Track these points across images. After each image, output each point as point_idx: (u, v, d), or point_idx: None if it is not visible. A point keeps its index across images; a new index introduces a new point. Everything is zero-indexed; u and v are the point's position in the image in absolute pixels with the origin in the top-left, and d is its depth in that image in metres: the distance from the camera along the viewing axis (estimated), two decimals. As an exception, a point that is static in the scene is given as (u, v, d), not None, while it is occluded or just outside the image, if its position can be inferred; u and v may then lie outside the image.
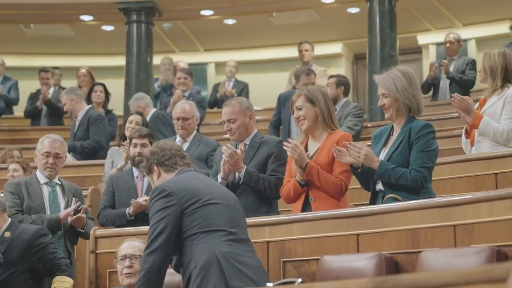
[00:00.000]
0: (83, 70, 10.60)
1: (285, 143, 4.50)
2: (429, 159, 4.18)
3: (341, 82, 7.71)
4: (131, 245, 4.27)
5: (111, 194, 5.60)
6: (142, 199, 5.38)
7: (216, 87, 11.47)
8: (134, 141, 5.72)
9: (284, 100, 7.97)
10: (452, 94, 5.26)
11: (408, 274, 2.59)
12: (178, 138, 6.25)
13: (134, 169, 5.70)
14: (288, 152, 4.48)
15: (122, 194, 5.52)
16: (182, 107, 6.23)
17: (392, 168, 4.16)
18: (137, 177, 5.66)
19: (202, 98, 9.30)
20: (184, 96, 9.03)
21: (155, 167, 3.90)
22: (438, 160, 4.60)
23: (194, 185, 3.73)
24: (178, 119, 6.19)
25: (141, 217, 5.37)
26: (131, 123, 6.81)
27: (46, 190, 5.20)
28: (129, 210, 5.39)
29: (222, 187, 4.07)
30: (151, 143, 5.69)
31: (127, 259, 4.20)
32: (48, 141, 5.29)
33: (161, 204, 3.62)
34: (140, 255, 4.10)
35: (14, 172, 6.61)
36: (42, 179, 5.25)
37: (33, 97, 10.45)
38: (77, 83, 10.79)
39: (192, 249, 3.55)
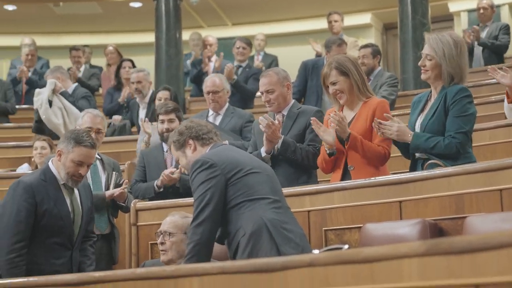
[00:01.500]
0: (111, 48, 10.62)
1: (332, 114, 4.46)
2: (465, 124, 4.11)
3: (377, 52, 7.61)
4: (168, 220, 4.20)
5: (143, 169, 5.62)
6: (168, 171, 5.35)
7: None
8: (160, 117, 5.71)
9: (311, 69, 7.74)
10: None
11: (461, 236, 2.56)
12: (210, 112, 6.23)
13: (164, 144, 5.72)
14: (332, 124, 4.43)
15: (153, 169, 5.52)
16: (212, 80, 6.20)
17: (425, 140, 4.11)
18: (167, 151, 5.66)
19: (259, 70, 9.19)
20: (241, 66, 9.01)
21: (191, 141, 3.88)
22: (478, 126, 4.54)
23: (234, 156, 3.73)
24: (208, 93, 6.16)
25: (171, 191, 5.38)
26: (160, 100, 6.81)
27: None
28: (157, 182, 5.40)
29: (257, 159, 4.07)
30: (178, 117, 5.70)
31: (161, 235, 4.16)
32: (89, 116, 5.29)
33: (205, 175, 3.61)
34: (172, 232, 4.09)
35: (42, 150, 6.64)
36: None
37: (64, 75, 10.50)
38: (105, 61, 10.82)
39: (239, 217, 3.55)
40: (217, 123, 6.08)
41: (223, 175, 3.62)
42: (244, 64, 9.12)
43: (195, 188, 3.66)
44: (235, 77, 8.45)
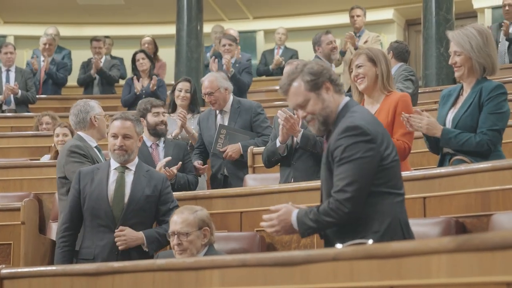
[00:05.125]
0: (147, 38, 10.51)
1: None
2: (498, 121, 4.04)
3: (390, 48, 7.39)
4: (178, 220, 4.00)
5: None
6: (163, 162, 5.32)
7: (265, 54, 11.40)
8: (155, 110, 5.68)
9: None
10: None
11: (493, 232, 2.50)
12: (217, 111, 6.10)
13: (145, 138, 5.60)
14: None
15: None
16: (206, 81, 6.08)
17: (455, 136, 4.03)
18: (151, 146, 5.68)
19: (249, 65, 9.06)
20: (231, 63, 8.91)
21: (329, 84, 3.27)
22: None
23: (384, 132, 3.26)
24: (204, 95, 6.05)
25: None
26: (180, 91, 6.65)
27: None
28: None
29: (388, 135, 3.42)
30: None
31: (175, 236, 3.98)
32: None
33: (364, 149, 3.13)
34: (187, 232, 3.94)
35: (64, 137, 6.53)
36: None
37: (85, 65, 10.50)
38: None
39: (374, 207, 3.16)
40: (226, 121, 6.02)
41: (378, 153, 3.16)
42: (233, 61, 8.92)
43: (347, 155, 3.13)
44: (232, 69, 8.35)
